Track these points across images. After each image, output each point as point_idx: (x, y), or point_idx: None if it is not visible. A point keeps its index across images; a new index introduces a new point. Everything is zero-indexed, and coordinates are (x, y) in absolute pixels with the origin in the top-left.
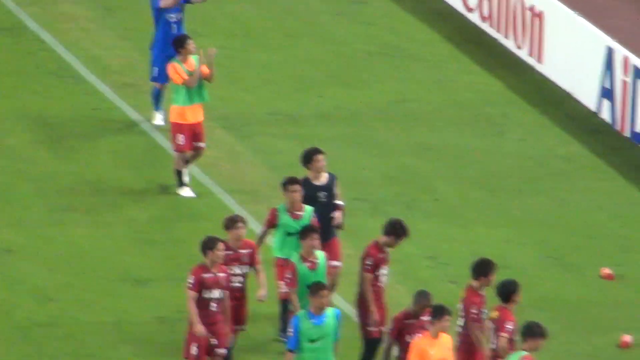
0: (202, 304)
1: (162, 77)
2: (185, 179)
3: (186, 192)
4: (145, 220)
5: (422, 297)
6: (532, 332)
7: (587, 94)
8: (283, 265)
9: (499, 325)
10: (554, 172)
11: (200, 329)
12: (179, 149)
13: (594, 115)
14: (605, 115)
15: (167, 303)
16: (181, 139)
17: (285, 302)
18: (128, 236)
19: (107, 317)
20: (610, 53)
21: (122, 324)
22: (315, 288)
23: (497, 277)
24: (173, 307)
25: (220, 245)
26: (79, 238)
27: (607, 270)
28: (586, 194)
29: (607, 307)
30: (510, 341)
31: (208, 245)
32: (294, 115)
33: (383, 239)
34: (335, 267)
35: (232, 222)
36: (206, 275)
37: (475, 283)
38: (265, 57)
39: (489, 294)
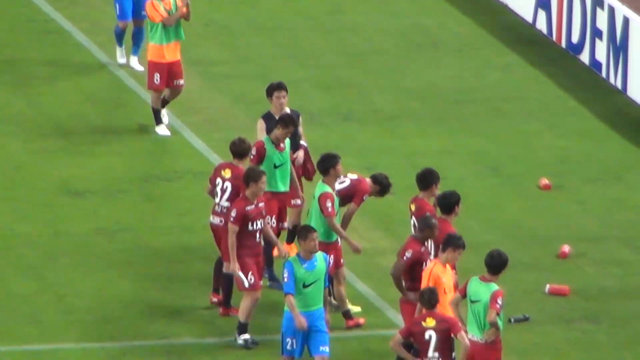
0: (249, 235)
1: (122, 15)
2: (164, 119)
3: (163, 130)
4: (83, 132)
5: (426, 222)
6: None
7: (523, 5)
8: (270, 199)
9: (439, 237)
10: (491, 83)
11: (235, 266)
12: (154, 87)
13: (530, 26)
14: (541, 26)
15: (105, 215)
16: (157, 77)
17: (266, 245)
18: (65, 148)
19: (45, 229)
20: None
21: (60, 236)
22: (305, 231)
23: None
24: (111, 218)
25: (264, 178)
26: (15, 151)
27: (545, 181)
28: (523, 104)
29: (545, 218)
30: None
31: (252, 177)
32: (228, 26)
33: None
34: (296, 205)
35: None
36: (249, 208)
37: (422, 194)
38: None
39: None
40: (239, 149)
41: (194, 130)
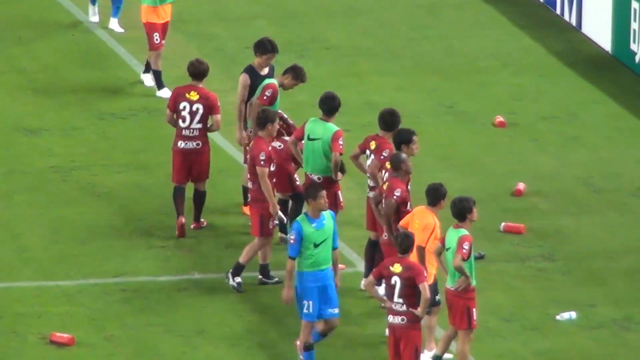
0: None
1: None
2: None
3: (165, 92)
4: (37, 69)
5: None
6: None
7: None
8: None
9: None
10: (445, 20)
11: (277, 208)
12: (154, 47)
13: None
14: None
15: (59, 152)
16: (156, 37)
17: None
18: (19, 85)
19: (0, 167)
20: None
21: (14, 174)
22: (314, 190)
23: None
24: (66, 156)
25: (277, 118)
26: None
27: (499, 118)
28: (477, 42)
29: (500, 155)
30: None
31: (269, 117)
32: None
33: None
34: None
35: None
36: (270, 149)
37: (382, 133)
38: None
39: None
40: (198, 70)
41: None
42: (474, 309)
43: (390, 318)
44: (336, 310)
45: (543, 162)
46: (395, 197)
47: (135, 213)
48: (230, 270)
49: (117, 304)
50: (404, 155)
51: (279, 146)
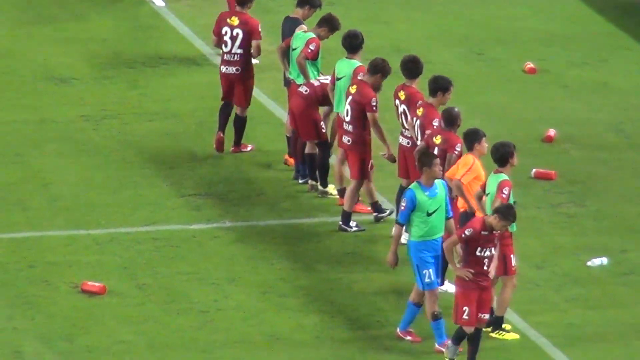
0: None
1: None
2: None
3: (159, 1)
4: (67, 18)
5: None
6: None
7: None
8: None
9: (425, 122)
10: None
11: (392, 151)
12: None
13: None
14: None
15: (90, 101)
16: None
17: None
18: (50, 35)
19: (31, 116)
20: None
21: (46, 123)
22: (428, 158)
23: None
24: (97, 105)
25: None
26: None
27: (530, 65)
28: None
29: (530, 102)
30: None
31: (384, 69)
32: None
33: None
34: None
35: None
36: None
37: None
38: None
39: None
40: None
41: (179, 16)
42: (511, 255)
43: None
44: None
45: (573, 109)
46: (456, 152)
47: (166, 161)
48: (341, 222)
49: (148, 252)
50: (457, 110)
51: (305, 91)
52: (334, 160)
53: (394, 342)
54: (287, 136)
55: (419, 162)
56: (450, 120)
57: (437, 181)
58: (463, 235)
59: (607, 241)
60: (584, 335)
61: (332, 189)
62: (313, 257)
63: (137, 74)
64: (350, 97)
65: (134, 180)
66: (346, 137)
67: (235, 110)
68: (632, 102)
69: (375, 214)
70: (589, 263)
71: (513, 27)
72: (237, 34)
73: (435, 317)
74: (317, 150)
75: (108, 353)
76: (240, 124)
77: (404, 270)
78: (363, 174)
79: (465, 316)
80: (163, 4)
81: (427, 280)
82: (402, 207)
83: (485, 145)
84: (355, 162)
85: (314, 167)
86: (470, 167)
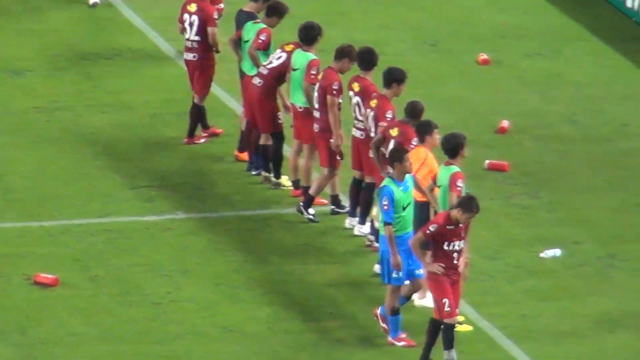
0: None
1: None
2: None
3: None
4: (20, 10)
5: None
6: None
7: None
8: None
9: (378, 114)
10: None
11: (340, 141)
12: None
13: None
14: None
15: (43, 93)
16: None
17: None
18: (3, 27)
19: None
20: None
21: None
22: (400, 153)
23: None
24: (50, 97)
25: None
26: None
27: (483, 56)
28: None
29: (484, 93)
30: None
31: (350, 54)
32: None
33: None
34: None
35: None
36: None
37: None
38: None
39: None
40: None
41: (133, 8)
42: None
43: None
44: (422, 272)
45: (527, 100)
46: (412, 145)
47: (119, 153)
48: (302, 204)
49: (101, 244)
50: (422, 104)
51: (259, 83)
52: (288, 152)
53: (347, 333)
54: (241, 130)
55: (390, 158)
56: (414, 113)
57: (407, 175)
58: (428, 232)
59: (560, 233)
60: (537, 326)
61: (285, 180)
62: (266, 249)
63: (90, 65)
64: (318, 84)
65: (87, 172)
66: (315, 124)
67: (193, 97)
68: (585, 93)
69: (332, 207)
70: (542, 254)
71: (467, 18)
72: (194, 20)
73: (395, 312)
74: (271, 141)
75: (61, 345)
76: (195, 113)
77: (356, 262)
78: (332, 161)
79: (447, 308)
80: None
81: (395, 275)
82: (385, 207)
83: (437, 137)
84: (324, 148)
85: (268, 159)
86: (423, 161)
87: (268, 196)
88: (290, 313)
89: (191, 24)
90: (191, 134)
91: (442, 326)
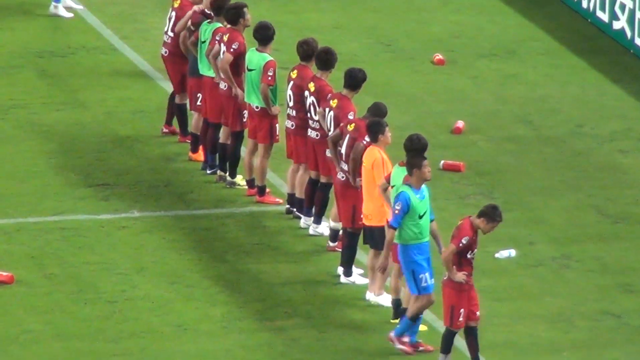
0: None
1: None
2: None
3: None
4: None
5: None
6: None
7: None
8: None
9: (340, 115)
10: None
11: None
12: None
13: None
14: None
15: None
16: None
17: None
18: None
19: None
20: None
21: None
22: (418, 160)
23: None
24: (4, 95)
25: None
26: None
27: (438, 56)
28: None
29: (439, 93)
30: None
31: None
32: None
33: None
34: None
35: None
36: None
37: (319, 73)
38: None
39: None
40: None
41: (87, 6)
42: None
43: None
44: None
45: (482, 100)
46: (365, 141)
47: (74, 151)
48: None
49: (56, 242)
50: (385, 106)
51: (225, 87)
52: (243, 151)
53: (301, 333)
54: (192, 132)
55: (408, 165)
56: (378, 114)
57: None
58: (461, 244)
59: (514, 233)
60: (491, 326)
61: (240, 179)
62: (221, 248)
63: (45, 63)
64: (291, 82)
65: (42, 170)
66: (290, 121)
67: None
68: (540, 94)
69: (288, 206)
70: (496, 255)
71: (421, 18)
72: (172, 16)
73: (414, 318)
74: (230, 139)
75: (15, 342)
76: (177, 113)
77: (311, 261)
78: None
79: (461, 318)
80: (72, 14)
81: (424, 284)
82: (397, 211)
83: (389, 136)
84: (301, 146)
85: (224, 158)
86: (380, 165)
87: (223, 195)
88: (244, 312)
89: (169, 19)
90: (183, 132)
91: (445, 331)
